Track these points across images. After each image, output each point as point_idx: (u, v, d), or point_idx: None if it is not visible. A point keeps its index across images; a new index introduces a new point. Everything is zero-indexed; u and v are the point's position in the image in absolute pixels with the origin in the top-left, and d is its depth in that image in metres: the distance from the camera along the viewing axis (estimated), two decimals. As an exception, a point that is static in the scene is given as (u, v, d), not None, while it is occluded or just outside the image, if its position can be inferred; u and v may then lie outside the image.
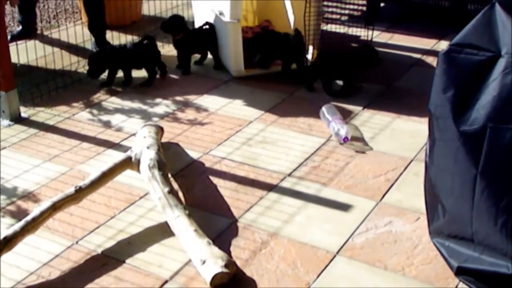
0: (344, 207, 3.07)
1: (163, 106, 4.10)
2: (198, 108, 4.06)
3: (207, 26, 4.58)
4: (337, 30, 5.07)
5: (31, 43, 4.46)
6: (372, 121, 3.89)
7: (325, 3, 5.67)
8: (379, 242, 2.82)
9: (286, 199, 3.13)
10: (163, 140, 3.57)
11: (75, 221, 2.96)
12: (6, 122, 3.87)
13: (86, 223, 2.94)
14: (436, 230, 2.74)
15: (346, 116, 3.90)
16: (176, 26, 4.54)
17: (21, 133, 3.75)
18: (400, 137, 3.71)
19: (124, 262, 2.69)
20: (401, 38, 5.27)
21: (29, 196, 3.16)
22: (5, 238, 2.56)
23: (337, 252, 2.75)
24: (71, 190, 2.87)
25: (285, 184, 3.26)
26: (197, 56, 4.71)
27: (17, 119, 3.90)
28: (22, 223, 2.66)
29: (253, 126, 3.83)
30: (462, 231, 2.58)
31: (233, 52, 4.35)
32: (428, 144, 2.72)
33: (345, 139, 3.58)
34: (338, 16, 5.76)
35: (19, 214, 2.99)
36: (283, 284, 2.57)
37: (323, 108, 3.84)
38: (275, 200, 3.12)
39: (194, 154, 3.52)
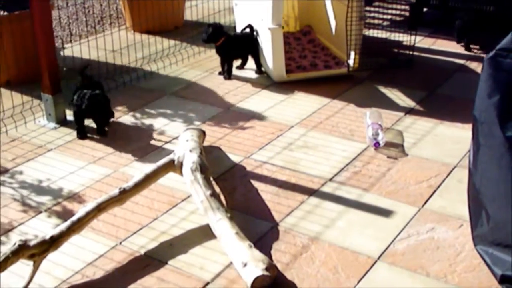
0: (385, 212, 3.06)
1: (205, 110, 4.13)
2: (240, 113, 4.09)
3: (247, 30, 4.60)
4: (379, 35, 5.05)
5: (76, 47, 4.55)
6: (414, 127, 3.86)
7: (367, 8, 5.64)
8: (421, 249, 2.79)
9: (327, 204, 3.13)
10: (205, 144, 3.61)
11: (118, 222, 3.00)
12: (52, 124, 3.95)
13: (130, 225, 2.99)
14: (479, 237, 2.71)
15: (388, 121, 3.88)
16: (215, 34, 4.56)
17: (67, 136, 3.83)
18: (443, 143, 3.68)
19: (166, 263, 2.73)
20: (444, 43, 5.22)
21: (74, 197, 3.22)
22: (51, 237, 2.62)
23: (378, 258, 2.74)
24: (115, 191, 2.92)
25: (326, 189, 3.25)
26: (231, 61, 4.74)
27: (63, 122, 3.99)
28: (68, 223, 2.71)
29: (294, 131, 3.84)
30: (507, 238, 2.54)
31: (274, 57, 4.37)
32: (471, 150, 2.69)
33: (376, 145, 3.57)
34: (380, 21, 5.73)
35: (64, 214, 3.06)
36: (324, 288, 2.58)
37: (367, 112, 3.83)
38: (316, 204, 3.12)
39: (235, 158, 3.55)
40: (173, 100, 4.30)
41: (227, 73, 4.60)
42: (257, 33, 4.56)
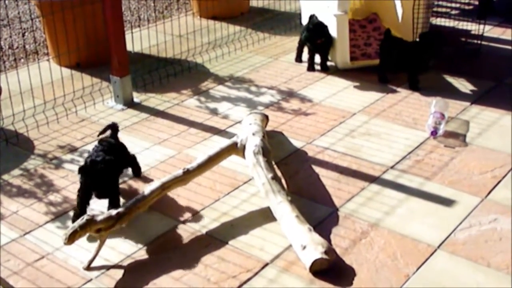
0: (447, 202, 3.03)
1: (268, 95, 4.17)
2: (303, 99, 4.10)
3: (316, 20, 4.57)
4: (446, 24, 4.96)
5: (144, 32, 4.65)
6: (480, 117, 3.80)
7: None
8: (482, 239, 2.76)
9: (388, 191, 3.12)
10: (268, 128, 3.64)
11: (181, 202, 3.08)
12: (119, 106, 4.07)
13: (192, 205, 3.06)
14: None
15: (453, 111, 3.83)
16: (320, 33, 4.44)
17: (133, 117, 3.93)
18: (509, 134, 3.60)
19: (227, 243, 2.79)
20: (515, 33, 5.10)
21: (140, 176, 3.31)
22: (118, 213, 2.71)
23: (438, 246, 2.72)
24: (179, 172, 2.99)
25: (387, 176, 3.25)
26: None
27: (130, 104, 4.10)
28: (133, 200, 2.80)
29: (357, 118, 3.83)
30: None
31: (339, 44, 4.36)
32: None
33: (433, 133, 3.54)
34: (447, 10, 5.63)
35: (129, 192, 3.15)
36: (382, 274, 2.58)
37: (433, 101, 3.78)
38: (376, 191, 3.12)
39: (297, 143, 3.57)
40: (237, 85, 4.35)
41: (312, 65, 4.54)
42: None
